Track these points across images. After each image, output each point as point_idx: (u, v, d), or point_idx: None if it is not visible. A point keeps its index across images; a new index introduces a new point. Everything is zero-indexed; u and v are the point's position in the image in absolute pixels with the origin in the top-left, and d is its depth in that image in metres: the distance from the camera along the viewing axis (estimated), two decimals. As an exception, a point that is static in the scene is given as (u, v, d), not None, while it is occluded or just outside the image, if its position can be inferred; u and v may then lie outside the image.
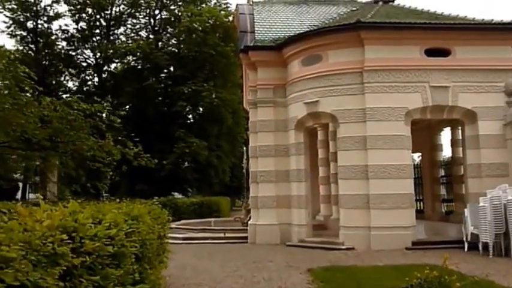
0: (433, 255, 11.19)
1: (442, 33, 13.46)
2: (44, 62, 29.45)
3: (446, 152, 22.92)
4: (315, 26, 14.90)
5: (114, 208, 4.68)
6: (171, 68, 32.83)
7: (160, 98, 31.15)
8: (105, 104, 10.12)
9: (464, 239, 12.24)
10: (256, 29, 15.31)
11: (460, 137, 19.64)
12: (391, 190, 12.64)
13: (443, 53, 13.41)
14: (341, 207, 13.27)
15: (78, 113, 9.16)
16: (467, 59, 13.26)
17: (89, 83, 32.64)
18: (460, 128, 19.53)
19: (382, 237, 12.36)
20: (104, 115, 13.26)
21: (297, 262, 10.51)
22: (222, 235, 15.31)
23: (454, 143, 19.72)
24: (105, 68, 32.84)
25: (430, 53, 13.32)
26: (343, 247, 12.60)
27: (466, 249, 11.95)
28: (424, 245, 12.58)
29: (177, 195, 34.24)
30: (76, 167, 26.40)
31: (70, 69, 31.24)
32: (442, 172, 21.31)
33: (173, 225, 18.14)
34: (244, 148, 22.99)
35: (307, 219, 14.30)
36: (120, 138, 9.54)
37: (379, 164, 12.74)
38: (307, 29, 14.63)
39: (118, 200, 6.32)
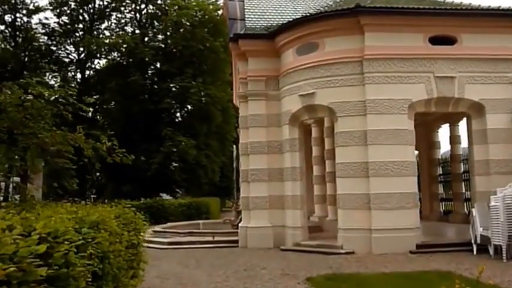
0: (441, 260, 10.32)
1: (448, 20, 12.50)
2: (23, 58, 28.09)
3: (444, 150, 22.19)
4: (309, 13, 13.84)
5: (68, 212, 3.60)
6: (158, 64, 31.63)
7: (146, 95, 29.93)
8: (69, 91, 8.92)
9: (473, 241, 11.37)
10: (246, 16, 14.25)
11: (459, 134, 19.33)
12: (394, 189, 11.72)
13: (449, 41, 12.48)
14: (339, 207, 12.27)
15: (39, 100, 8.00)
16: (475, 48, 12.36)
17: (72, 79, 31.26)
18: (458, 124, 19.30)
19: (385, 240, 11.43)
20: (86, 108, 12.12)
21: (293, 269, 9.47)
22: (210, 239, 14.21)
23: (453, 139, 19.11)
24: (89, 64, 31.54)
25: (435, 41, 12.38)
26: (342, 251, 11.63)
27: (475, 252, 11.11)
28: (429, 248, 11.66)
29: (165, 196, 33.13)
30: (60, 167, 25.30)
31: (51, 65, 29.87)
32: (440, 170, 20.56)
33: (158, 228, 17.10)
34: (234, 146, 21.88)
35: (303, 221, 13.27)
36: (97, 133, 8.48)
37: (381, 160, 11.79)
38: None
39: (101, 202, 5.31)
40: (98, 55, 31.01)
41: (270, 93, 13.94)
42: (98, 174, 34.24)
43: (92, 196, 35.21)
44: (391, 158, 11.80)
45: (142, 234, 5.80)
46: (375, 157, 11.79)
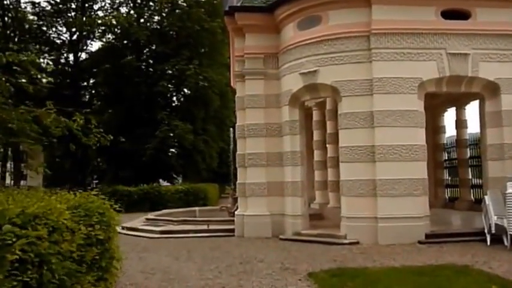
0: (453, 251, 9.53)
1: (462, -8, 11.51)
2: (12, 38, 26.96)
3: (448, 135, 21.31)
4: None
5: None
6: (153, 47, 30.42)
7: (140, 78, 28.80)
8: (24, 56, 7.94)
9: (486, 230, 10.60)
10: (243, -13, 13.24)
11: (465, 118, 18.45)
12: (402, 174, 10.87)
13: (463, 15, 11.48)
14: (343, 194, 11.41)
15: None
16: (490, 23, 11.37)
17: (63, 61, 30.12)
18: (465, 108, 18.40)
19: (391, 230, 10.62)
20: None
21: (293, 262, 8.63)
22: (205, 227, 13.36)
23: (459, 124, 18.33)
24: (81, 46, 30.34)
25: (448, 15, 11.39)
26: (346, 241, 10.81)
27: (488, 242, 10.33)
28: (438, 237, 10.85)
29: (163, 182, 32.36)
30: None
31: (42, 46, 28.72)
32: (445, 156, 19.74)
33: (151, 215, 16.25)
34: (231, 129, 20.95)
35: (303, 209, 12.41)
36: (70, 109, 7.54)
37: (388, 144, 10.91)
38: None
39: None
40: (91, 36, 29.83)
41: (268, 71, 12.99)
42: (98, 160, 33.39)
43: (95, 182, 34.48)
44: (399, 142, 10.92)
45: (113, 227, 4.89)
46: (382, 140, 10.91)
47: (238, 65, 13.48)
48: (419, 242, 10.55)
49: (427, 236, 10.76)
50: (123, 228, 13.65)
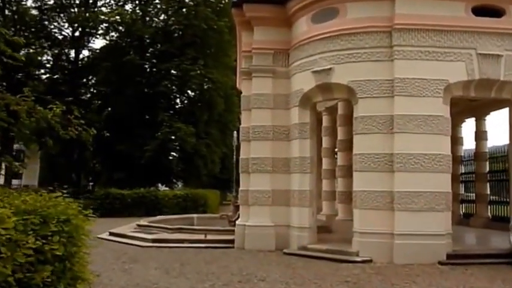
0: (480, 275, 8.40)
1: (495, -13, 10.41)
2: (12, 33, 26.05)
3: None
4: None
5: None
6: (158, 46, 29.40)
7: (143, 77, 27.81)
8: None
9: (515, 253, 9.39)
10: (253, -24, 12.17)
11: (485, 129, 17.37)
12: (423, 187, 9.74)
13: (496, 12, 10.38)
14: (356, 207, 10.26)
15: None
16: (526, 22, 10.26)
17: (64, 57, 29.16)
18: (485, 119, 17.30)
19: (409, 248, 9.50)
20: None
21: (300, 282, 7.51)
22: (202, 237, 12.22)
23: (478, 135, 17.26)
24: (83, 42, 29.38)
25: (479, 11, 10.29)
26: (358, 259, 9.69)
27: (517, 266, 9.10)
28: (461, 258, 9.73)
29: (161, 187, 31.27)
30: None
31: (42, 41, 27.78)
32: (461, 169, 18.63)
33: (144, 221, 15.09)
34: (235, 132, 19.86)
35: (311, 221, 11.26)
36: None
37: (409, 152, 9.80)
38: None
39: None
40: (94, 32, 28.88)
41: (277, 69, 11.92)
42: (94, 161, 32.43)
43: (91, 184, 33.53)
44: (421, 150, 9.80)
45: (80, 238, 3.77)
46: (402, 148, 9.79)
47: (245, 62, 12.42)
48: (440, 263, 9.42)
49: (448, 256, 9.62)
50: (110, 234, 12.55)
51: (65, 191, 4.17)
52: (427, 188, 9.74)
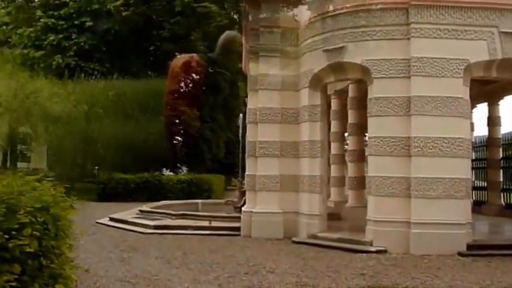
0: (505, 268, 7.82)
1: (521, -42, 9.71)
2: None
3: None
4: None
5: None
6: (162, 26, 28.69)
7: (148, 60, 27.24)
8: None
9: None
10: None
11: (499, 115, 16.73)
12: (442, 173, 9.13)
13: (520, -14, 9.70)
14: (370, 193, 9.72)
15: None
16: (552, -3, 9.57)
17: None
18: (499, 104, 16.65)
19: (427, 237, 8.95)
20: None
21: (312, 275, 6.99)
22: (206, 224, 11.74)
23: (491, 121, 16.58)
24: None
25: (503, -14, 9.63)
26: (373, 249, 9.15)
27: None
28: (482, 249, 9.14)
29: (166, 172, 30.81)
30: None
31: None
32: (473, 155, 18.06)
33: (146, 207, 14.61)
34: (241, 115, 19.29)
35: (322, 208, 10.73)
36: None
37: (427, 136, 9.18)
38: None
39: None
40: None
41: (286, 49, 11.29)
42: (98, 145, 31.86)
43: (96, 168, 33.11)
44: (440, 134, 9.19)
45: (62, 229, 3.23)
46: (420, 131, 9.19)
47: (252, 40, 11.80)
48: (460, 254, 8.85)
49: (468, 247, 9.07)
50: (110, 219, 12.09)
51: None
52: (446, 174, 9.14)
